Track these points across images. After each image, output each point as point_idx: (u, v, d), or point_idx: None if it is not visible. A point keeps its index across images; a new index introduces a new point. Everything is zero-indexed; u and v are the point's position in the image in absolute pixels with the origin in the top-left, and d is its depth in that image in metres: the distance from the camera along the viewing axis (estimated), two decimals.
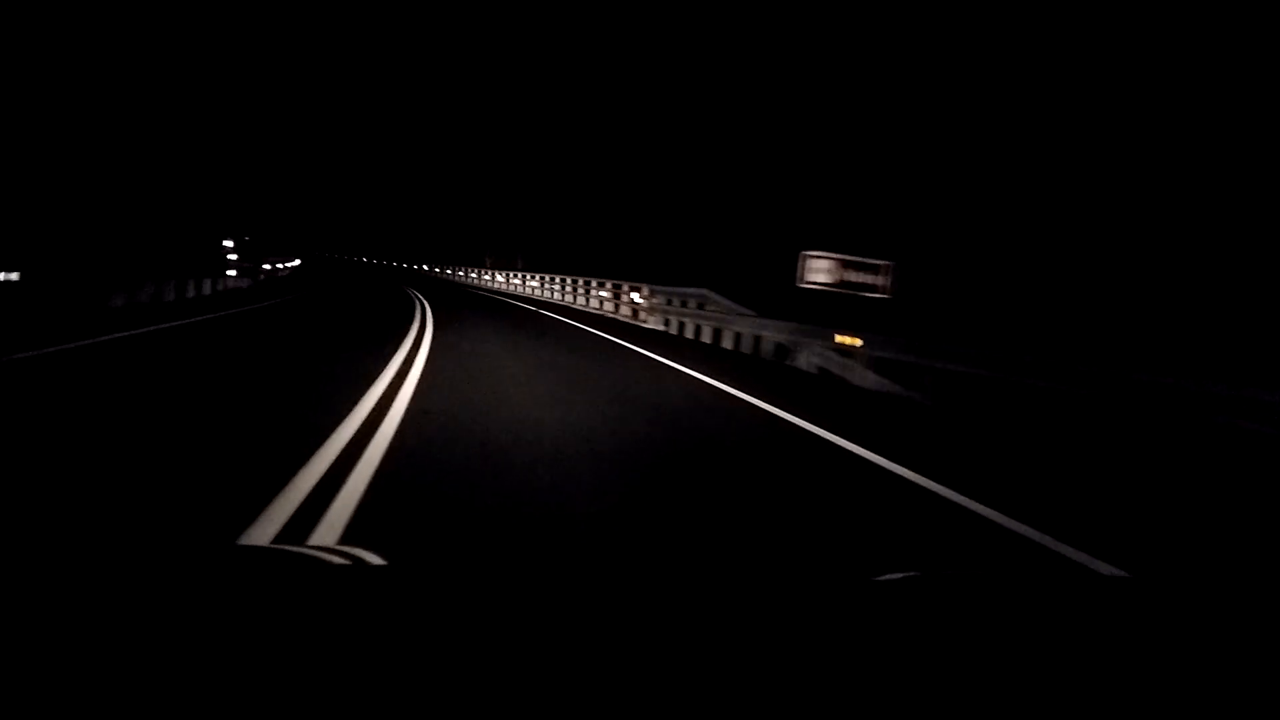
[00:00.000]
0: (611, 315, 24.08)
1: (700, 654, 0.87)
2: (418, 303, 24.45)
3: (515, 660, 0.82)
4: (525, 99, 54.11)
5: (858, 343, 9.95)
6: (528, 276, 37.36)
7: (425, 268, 69.39)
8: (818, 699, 0.77)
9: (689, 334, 17.14)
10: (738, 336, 14.52)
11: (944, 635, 0.98)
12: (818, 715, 0.74)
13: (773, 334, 12.72)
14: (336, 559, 1.39)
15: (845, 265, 13.73)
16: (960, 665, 0.88)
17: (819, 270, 13.79)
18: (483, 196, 63.14)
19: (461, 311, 22.25)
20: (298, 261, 58.57)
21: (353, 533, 3.33)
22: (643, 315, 21.71)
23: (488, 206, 61.85)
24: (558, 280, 31.58)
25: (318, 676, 0.76)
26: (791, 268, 14.46)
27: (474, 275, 50.50)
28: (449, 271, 60.78)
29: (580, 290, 28.44)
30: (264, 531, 3.26)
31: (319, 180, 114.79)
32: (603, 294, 25.90)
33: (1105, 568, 3.54)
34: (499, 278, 43.58)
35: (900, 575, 1.32)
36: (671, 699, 0.75)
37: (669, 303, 19.31)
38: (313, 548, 2.42)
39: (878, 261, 14.17)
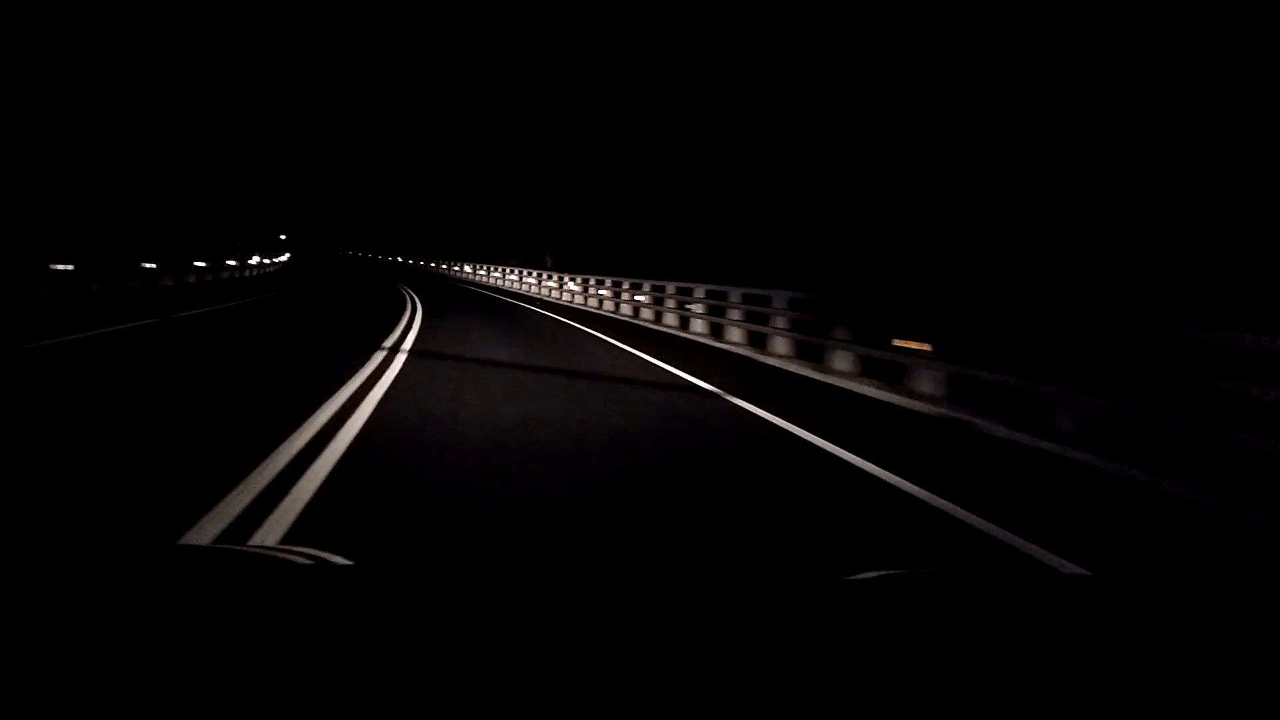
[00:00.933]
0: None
1: (675, 654, 0.87)
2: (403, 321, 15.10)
3: (498, 661, 0.82)
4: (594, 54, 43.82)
5: None
6: (624, 287, 21.66)
7: (467, 269, 50.78)
8: (782, 695, 0.78)
9: None
10: None
11: (911, 633, 0.98)
12: (781, 711, 0.75)
13: None
14: (300, 559, 1.30)
15: None
16: (925, 661, 0.88)
17: None
18: (533, 182, 50.83)
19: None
20: (274, 259, 45.95)
21: None
22: None
23: (542, 194, 49.26)
24: (694, 296, 16.70)
25: (299, 681, 0.74)
26: None
27: (529, 282, 34.36)
28: (479, 271, 45.67)
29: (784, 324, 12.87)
30: None
31: (342, 179, 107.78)
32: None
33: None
34: (571, 286, 27.98)
35: (873, 574, 1.30)
36: (641, 699, 0.75)
37: None
38: (273, 548, 2.27)
39: None
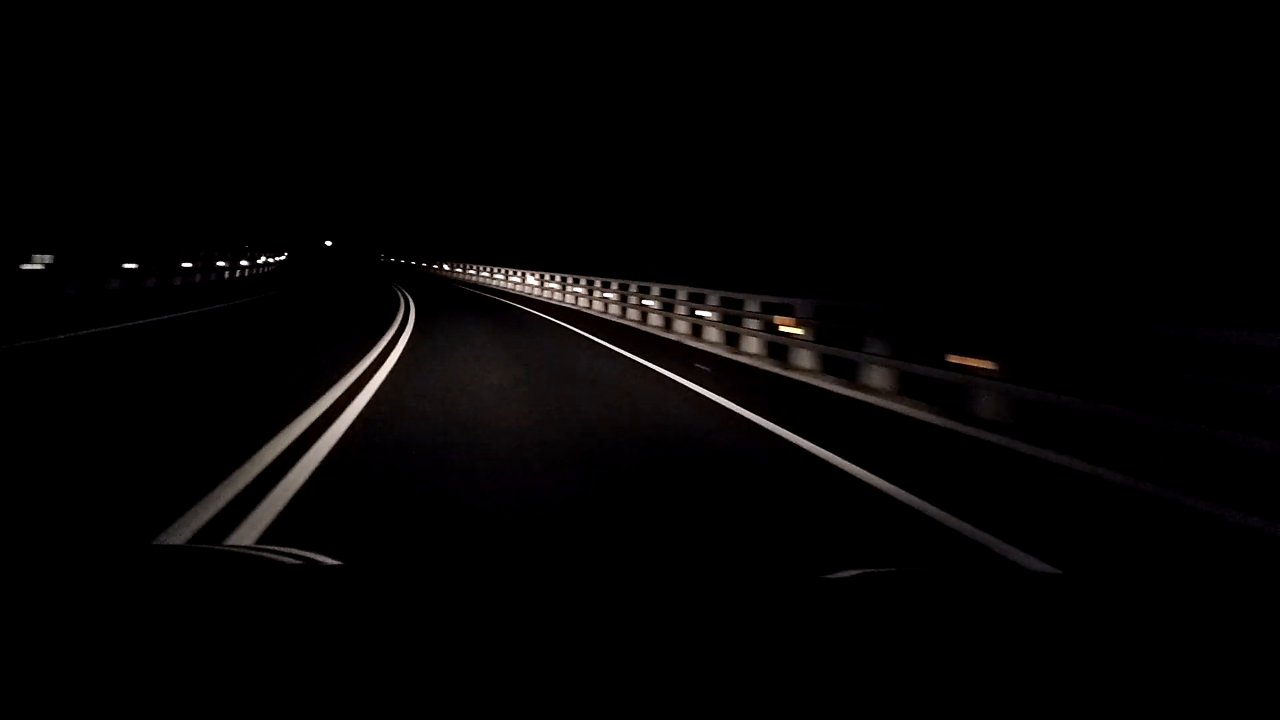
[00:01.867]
0: None
1: (670, 652, 0.86)
2: None
3: (490, 663, 0.81)
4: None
5: None
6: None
7: (519, 278, 33.47)
8: (763, 693, 0.77)
9: None
10: None
11: (888, 631, 0.98)
12: (762, 709, 0.74)
13: None
14: (287, 559, 1.25)
15: None
16: (902, 659, 0.88)
17: None
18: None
19: None
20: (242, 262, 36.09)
21: None
22: None
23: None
24: None
25: (293, 682, 0.73)
26: None
27: (631, 306, 19.14)
28: (549, 284, 28.44)
29: None
30: None
31: (385, 190, 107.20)
32: None
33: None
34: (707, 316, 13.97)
35: (851, 573, 1.28)
36: (626, 696, 0.74)
37: None
38: (259, 548, 2.23)
39: None
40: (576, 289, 24.48)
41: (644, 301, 17.72)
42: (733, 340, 12.99)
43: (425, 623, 0.92)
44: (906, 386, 7.99)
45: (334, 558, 1.23)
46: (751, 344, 12.09)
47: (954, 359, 7.00)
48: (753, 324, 12.09)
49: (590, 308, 22.66)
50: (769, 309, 11.65)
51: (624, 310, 19.68)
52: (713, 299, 13.77)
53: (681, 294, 15.56)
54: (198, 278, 23.28)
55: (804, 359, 10.44)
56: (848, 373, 9.13)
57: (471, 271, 48.00)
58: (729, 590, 1.18)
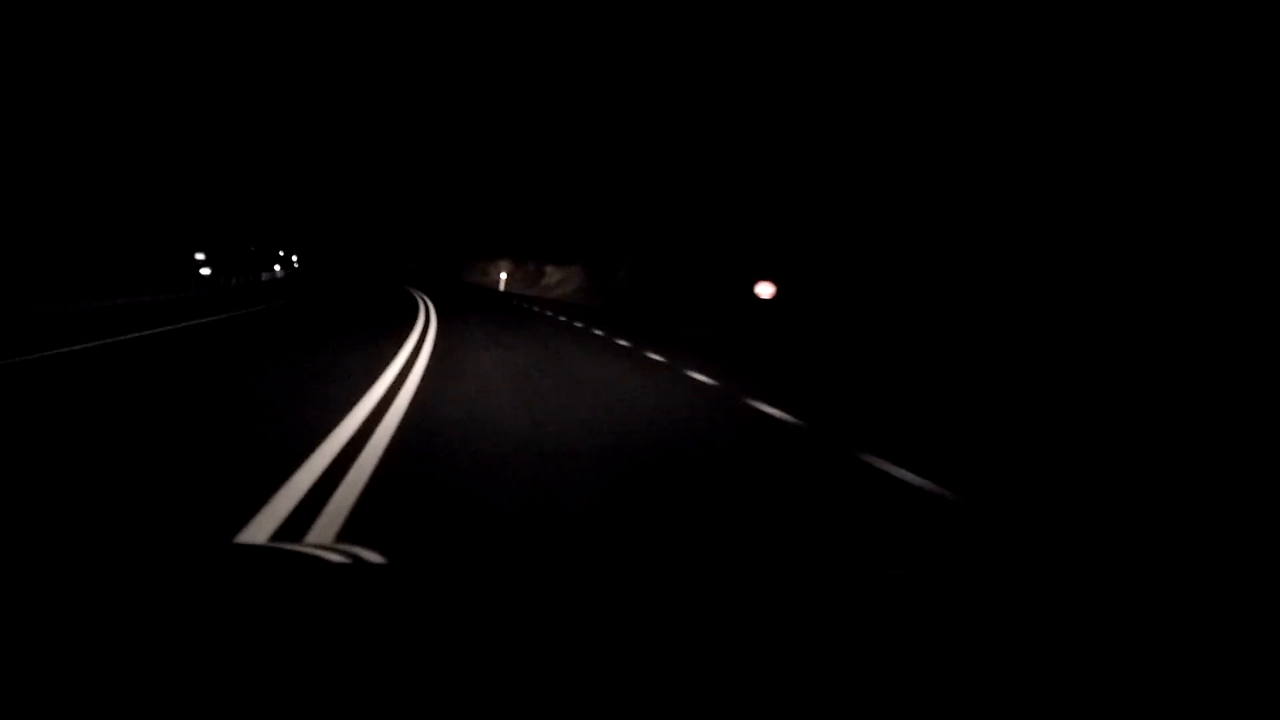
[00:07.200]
0: None
1: (709, 649, 0.87)
2: None
3: (521, 659, 0.81)
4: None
5: None
6: None
7: None
8: (835, 686, 0.78)
9: None
10: None
11: (952, 628, 0.99)
12: (835, 702, 0.75)
13: None
14: (335, 557, 1.33)
15: None
16: (966, 655, 0.89)
17: None
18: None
19: None
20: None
21: None
22: None
23: None
24: None
25: (320, 677, 0.75)
26: None
27: None
28: None
29: None
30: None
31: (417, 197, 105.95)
32: None
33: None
34: None
35: (901, 570, 1.38)
36: (680, 696, 0.74)
37: None
38: (311, 546, 2.30)
39: None
40: None
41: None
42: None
43: (464, 621, 0.92)
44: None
45: (381, 555, 1.33)
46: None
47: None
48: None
49: None
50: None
51: None
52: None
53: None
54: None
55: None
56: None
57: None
58: (788, 584, 1.22)
